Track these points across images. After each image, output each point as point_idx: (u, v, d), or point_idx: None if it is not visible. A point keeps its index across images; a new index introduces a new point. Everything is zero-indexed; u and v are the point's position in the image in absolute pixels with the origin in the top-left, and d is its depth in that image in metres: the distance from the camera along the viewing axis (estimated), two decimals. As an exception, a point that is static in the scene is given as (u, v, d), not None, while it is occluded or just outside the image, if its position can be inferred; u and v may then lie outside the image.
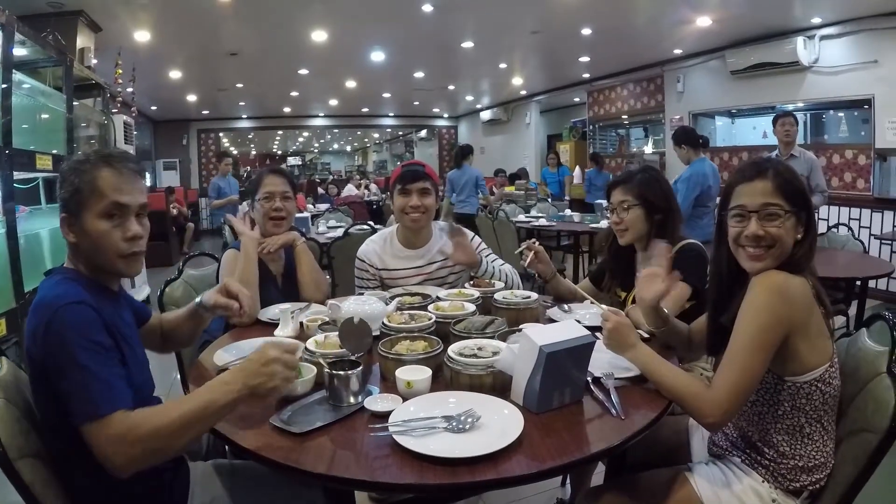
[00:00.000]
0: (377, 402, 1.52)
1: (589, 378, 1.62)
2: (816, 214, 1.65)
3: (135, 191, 1.54)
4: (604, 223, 6.50)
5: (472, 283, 2.55)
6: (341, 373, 1.53)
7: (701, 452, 1.80)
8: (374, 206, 13.31)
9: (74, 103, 5.33)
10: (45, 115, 4.87)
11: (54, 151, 4.67)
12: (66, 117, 5.09)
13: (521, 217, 7.44)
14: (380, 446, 1.32)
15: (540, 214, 7.61)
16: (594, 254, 7.54)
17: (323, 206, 10.11)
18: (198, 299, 1.89)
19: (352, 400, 1.54)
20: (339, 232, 5.27)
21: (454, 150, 8.76)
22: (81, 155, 1.55)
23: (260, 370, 1.38)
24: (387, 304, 2.14)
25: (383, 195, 14.03)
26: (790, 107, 7.93)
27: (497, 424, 1.39)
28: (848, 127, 7.45)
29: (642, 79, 10.50)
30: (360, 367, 1.56)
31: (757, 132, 8.78)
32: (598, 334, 1.92)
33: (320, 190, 14.33)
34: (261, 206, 2.64)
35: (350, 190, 14.42)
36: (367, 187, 15.60)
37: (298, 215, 6.21)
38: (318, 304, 2.48)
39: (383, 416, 1.44)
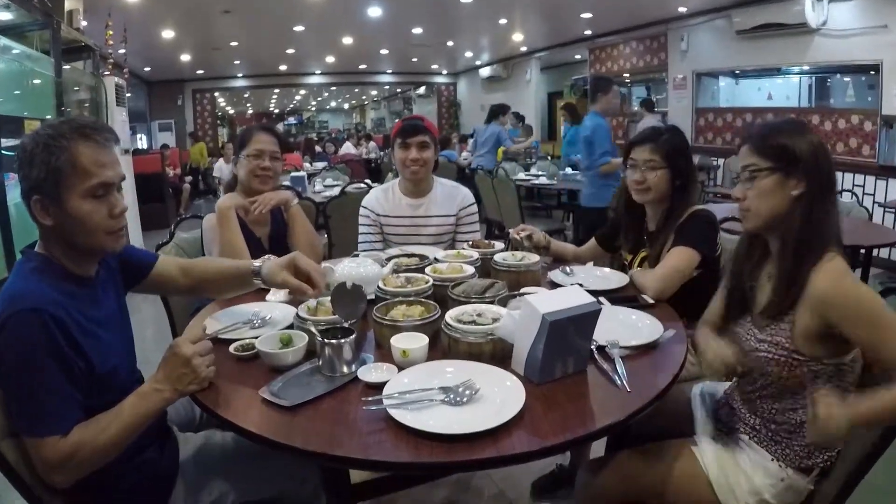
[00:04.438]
0: (371, 371, 1.46)
1: (593, 346, 1.55)
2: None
3: (116, 164, 1.43)
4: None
5: (470, 243, 2.48)
6: (333, 341, 1.46)
7: (706, 424, 1.73)
8: (373, 164, 13.11)
9: (65, 67, 5.29)
10: (33, 81, 4.84)
11: (47, 117, 4.62)
12: (54, 81, 5.04)
13: (521, 175, 7.33)
14: (374, 420, 1.26)
15: (540, 172, 7.49)
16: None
17: (320, 165, 9.98)
18: (257, 264, 1.76)
19: (345, 369, 1.47)
20: (336, 191, 5.17)
21: (489, 108, 8.77)
22: (50, 129, 1.38)
23: (183, 372, 1.39)
24: (383, 266, 2.06)
25: (382, 153, 13.85)
26: (796, 69, 7.76)
27: (497, 397, 1.32)
28: (854, 92, 7.28)
29: (645, 37, 10.24)
30: (353, 335, 1.49)
31: (762, 93, 8.60)
32: (601, 298, 1.86)
33: (318, 148, 14.15)
34: (248, 162, 2.53)
35: (348, 148, 14.24)
36: (362, 141, 15.38)
37: (295, 174, 6.14)
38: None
39: (378, 387, 1.38)
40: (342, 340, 1.47)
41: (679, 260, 2.08)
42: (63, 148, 1.35)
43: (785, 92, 8.32)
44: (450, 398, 1.31)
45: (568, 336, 1.41)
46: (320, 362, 1.49)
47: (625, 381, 1.40)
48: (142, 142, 14.29)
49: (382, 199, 2.84)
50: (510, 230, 2.46)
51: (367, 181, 6.08)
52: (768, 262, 1.61)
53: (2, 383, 1.30)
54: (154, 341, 3.68)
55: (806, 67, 7.60)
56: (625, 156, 2.34)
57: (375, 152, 14.48)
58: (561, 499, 2.54)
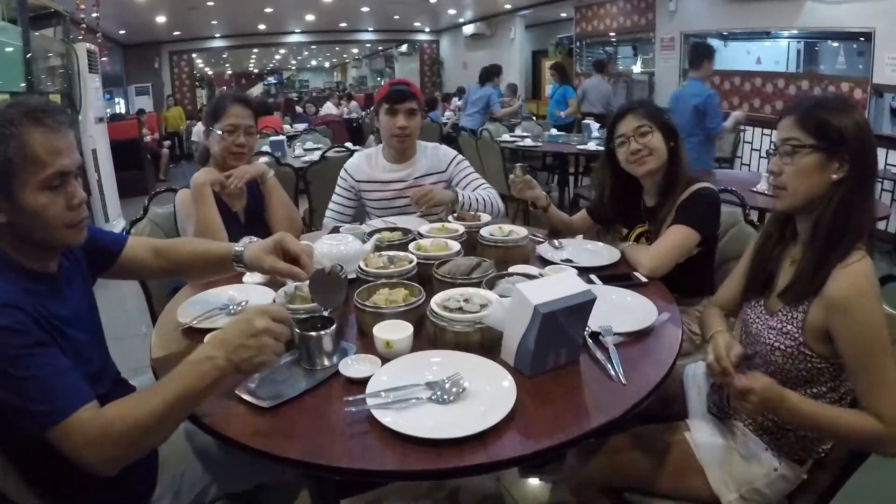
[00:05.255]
0: (353, 365, 1.38)
1: (586, 333, 1.48)
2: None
3: (73, 149, 1.29)
4: (591, 145, 6.27)
5: (455, 216, 2.39)
6: (312, 334, 1.38)
7: (698, 407, 1.68)
8: (354, 125, 12.88)
9: (34, 34, 5.17)
10: (2, 50, 4.70)
11: (22, 86, 4.51)
12: (22, 51, 4.90)
13: (506, 137, 7.20)
14: (358, 421, 1.18)
15: (525, 134, 7.36)
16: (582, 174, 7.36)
17: (300, 127, 9.78)
18: (238, 248, 1.63)
19: (325, 362, 1.40)
20: (317, 155, 5.05)
21: (481, 69, 8.71)
22: None
23: (247, 343, 1.19)
24: (364, 242, 1.97)
25: (363, 112, 13.62)
26: (785, 33, 7.61)
27: (486, 393, 1.25)
28: (845, 59, 7.12)
29: (633, -5, 10.04)
30: (334, 326, 1.41)
31: (751, 57, 8.39)
32: (592, 276, 1.80)
33: (298, 109, 13.90)
34: (222, 138, 2.42)
35: (329, 108, 13.99)
36: (343, 101, 15.12)
37: (274, 138, 5.99)
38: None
39: (360, 383, 1.30)
40: (322, 333, 1.39)
41: (677, 238, 2.00)
42: (12, 136, 1.20)
43: (774, 56, 8.17)
44: (437, 396, 1.24)
45: (561, 327, 1.34)
46: (299, 355, 1.42)
47: (620, 374, 1.34)
48: (119, 106, 14.02)
49: (365, 166, 2.81)
50: (517, 168, 2.47)
51: (348, 144, 5.95)
52: (793, 245, 1.52)
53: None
54: (138, 313, 3.53)
55: (796, 32, 7.43)
56: (608, 136, 2.24)
57: (357, 112, 14.25)
58: (549, 474, 2.52)
